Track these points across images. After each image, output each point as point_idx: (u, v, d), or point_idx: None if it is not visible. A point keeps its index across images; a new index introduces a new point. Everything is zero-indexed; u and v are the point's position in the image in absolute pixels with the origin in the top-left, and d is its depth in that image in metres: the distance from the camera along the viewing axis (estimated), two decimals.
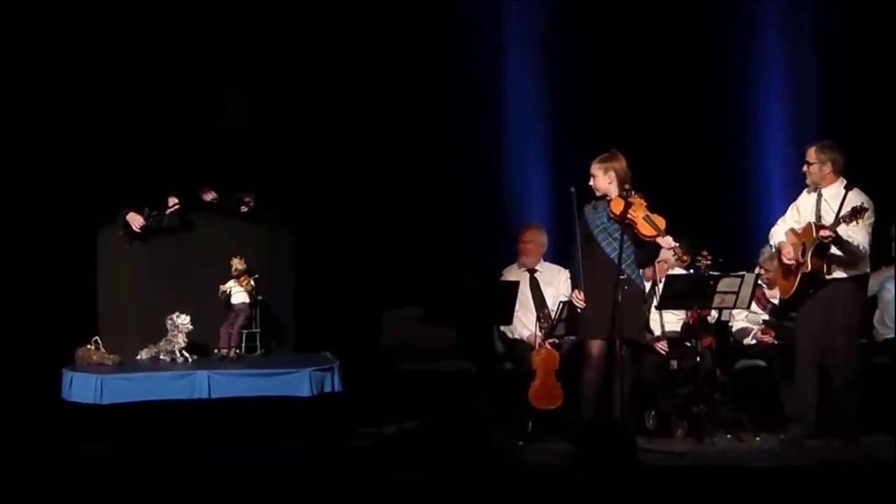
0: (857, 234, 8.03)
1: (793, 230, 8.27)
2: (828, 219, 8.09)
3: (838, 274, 8.13)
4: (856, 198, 8.08)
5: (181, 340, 8.37)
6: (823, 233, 7.97)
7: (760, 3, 10.04)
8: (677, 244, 8.10)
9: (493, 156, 10.01)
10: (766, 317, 8.90)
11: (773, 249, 8.43)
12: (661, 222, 8.05)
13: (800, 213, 8.32)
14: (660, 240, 8.04)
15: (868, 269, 8.27)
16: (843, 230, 7.94)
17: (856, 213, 7.88)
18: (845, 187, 8.15)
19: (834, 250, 8.04)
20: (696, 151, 9.76)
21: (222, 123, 8.97)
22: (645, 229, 8.03)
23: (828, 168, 8.20)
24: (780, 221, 8.40)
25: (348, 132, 9.53)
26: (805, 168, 8.27)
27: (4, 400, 8.35)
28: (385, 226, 9.50)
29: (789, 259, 8.16)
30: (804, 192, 8.37)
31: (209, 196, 8.72)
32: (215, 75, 8.91)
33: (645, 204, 8.05)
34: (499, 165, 10.03)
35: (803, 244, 8.14)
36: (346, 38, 9.48)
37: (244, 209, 8.77)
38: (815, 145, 8.28)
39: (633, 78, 9.81)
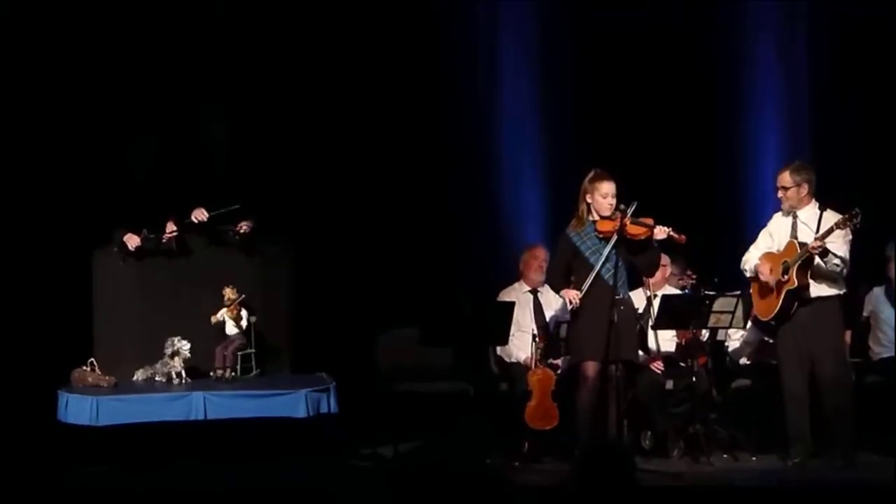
0: (841, 248, 8.06)
1: (768, 254, 8.26)
2: (805, 240, 8.09)
3: (819, 292, 8.13)
4: (832, 218, 8.09)
5: (178, 364, 8.36)
6: (814, 244, 7.97)
7: (755, 26, 10.08)
8: (669, 228, 8.04)
9: (489, 177, 10.03)
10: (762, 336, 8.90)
11: (750, 275, 8.42)
12: (649, 220, 8.06)
13: (773, 237, 8.32)
14: (654, 232, 8.02)
15: (845, 289, 8.27)
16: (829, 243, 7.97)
17: (851, 218, 7.88)
18: (819, 208, 8.17)
19: (819, 263, 8.05)
20: (691, 170, 9.80)
21: (220, 145, 8.99)
22: (637, 230, 8.03)
23: (804, 190, 8.20)
24: (752, 248, 8.39)
25: (344, 154, 9.56)
26: (781, 194, 8.23)
27: (0, 422, 8.33)
28: (381, 247, 9.52)
29: (766, 277, 8.15)
30: (776, 217, 8.35)
31: (201, 216, 8.69)
32: (213, 100, 8.93)
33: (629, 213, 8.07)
34: (494, 186, 10.04)
35: (784, 262, 8.13)
36: (342, 66, 9.51)
37: (241, 232, 8.74)
38: (789, 169, 8.25)
39: (629, 97, 9.85)
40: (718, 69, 10.04)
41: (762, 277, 8.21)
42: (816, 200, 8.22)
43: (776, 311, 8.20)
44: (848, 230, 8.01)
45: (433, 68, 9.81)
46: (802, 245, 8.07)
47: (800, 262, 8.05)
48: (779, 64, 10.09)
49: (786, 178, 8.23)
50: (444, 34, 9.90)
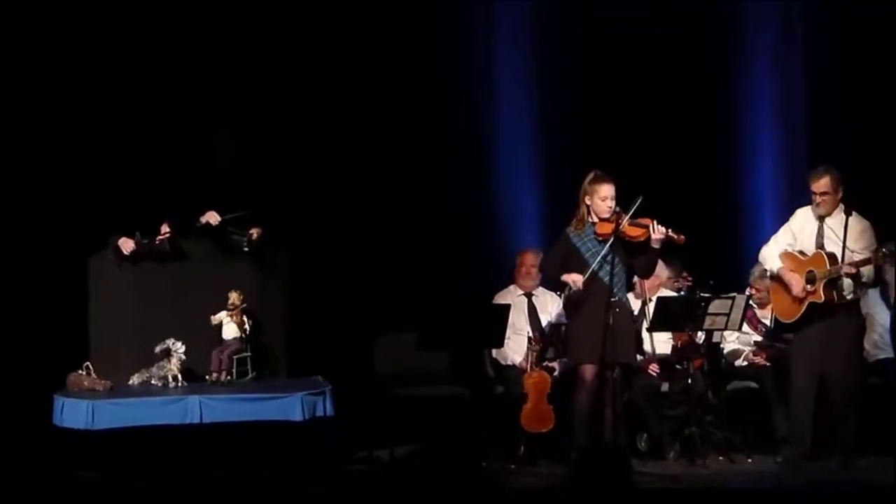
0: (869, 270, 8.06)
1: (791, 255, 8.23)
2: (831, 245, 8.07)
3: (841, 299, 8.10)
4: (857, 223, 8.08)
5: (174, 366, 8.36)
6: (847, 269, 7.94)
7: (754, 26, 10.06)
8: (668, 228, 7.97)
9: (486, 179, 10.01)
10: (758, 338, 8.88)
11: (766, 270, 8.39)
12: (647, 220, 8.01)
13: (795, 236, 8.26)
14: (652, 234, 7.97)
15: (866, 290, 8.28)
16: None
17: (890, 255, 7.91)
18: (845, 212, 8.14)
19: (847, 280, 8.03)
20: (689, 171, 9.77)
21: (217, 149, 8.98)
22: (635, 231, 7.99)
23: (839, 195, 8.15)
24: (771, 241, 8.34)
25: (341, 157, 9.55)
26: (818, 200, 8.12)
27: None
28: (378, 250, 9.50)
29: (798, 294, 8.10)
30: (800, 214, 8.29)
31: (213, 220, 8.65)
32: (210, 104, 8.92)
33: (626, 215, 8.04)
34: (492, 188, 10.03)
35: (810, 272, 8.09)
36: (340, 68, 9.51)
37: (253, 238, 8.69)
38: (827, 175, 8.11)
39: (627, 98, 9.83)
40: (718, 69, 10.01)
41: (794, 291, 8.12)
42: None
43: (798, 317, 8.17)
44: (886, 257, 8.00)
45: (431, 70, 9.79)
46: (832, 259, 8.02)
47: (827, 279, 8.02)
48: (777, 64, 10.07)
49: (826, 183, 8.10)
50: (443, 35, 9.88)
